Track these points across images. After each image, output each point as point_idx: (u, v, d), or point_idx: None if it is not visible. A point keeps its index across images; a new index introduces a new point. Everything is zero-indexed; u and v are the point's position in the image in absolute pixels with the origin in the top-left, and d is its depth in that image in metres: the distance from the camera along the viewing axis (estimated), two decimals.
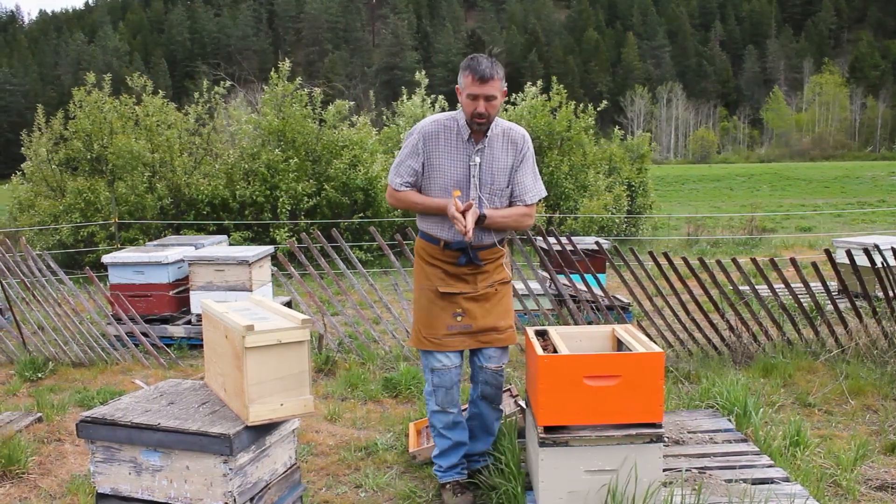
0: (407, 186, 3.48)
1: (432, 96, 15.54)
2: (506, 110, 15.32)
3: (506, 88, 3.42)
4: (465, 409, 3.88)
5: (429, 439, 4.25)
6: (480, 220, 3.32)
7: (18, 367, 6.21)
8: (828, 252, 5.77)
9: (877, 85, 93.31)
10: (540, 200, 3.58)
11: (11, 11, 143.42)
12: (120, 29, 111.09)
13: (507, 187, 3.45)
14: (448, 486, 3.57)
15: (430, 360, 3.50)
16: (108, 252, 8.49)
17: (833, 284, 7.40)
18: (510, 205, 3.50)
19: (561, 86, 15.80)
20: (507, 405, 4.23)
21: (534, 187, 3.50)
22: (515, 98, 15.74)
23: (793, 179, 39.99)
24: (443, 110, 15.57)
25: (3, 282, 6.56)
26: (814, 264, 5.85)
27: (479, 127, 3.36)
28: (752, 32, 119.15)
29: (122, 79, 14.14)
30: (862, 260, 6.06)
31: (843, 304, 6.56)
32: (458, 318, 3.46)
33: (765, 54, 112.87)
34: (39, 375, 6.11)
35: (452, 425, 3.56)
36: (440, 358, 3.48)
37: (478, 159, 3.39)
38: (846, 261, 5.99)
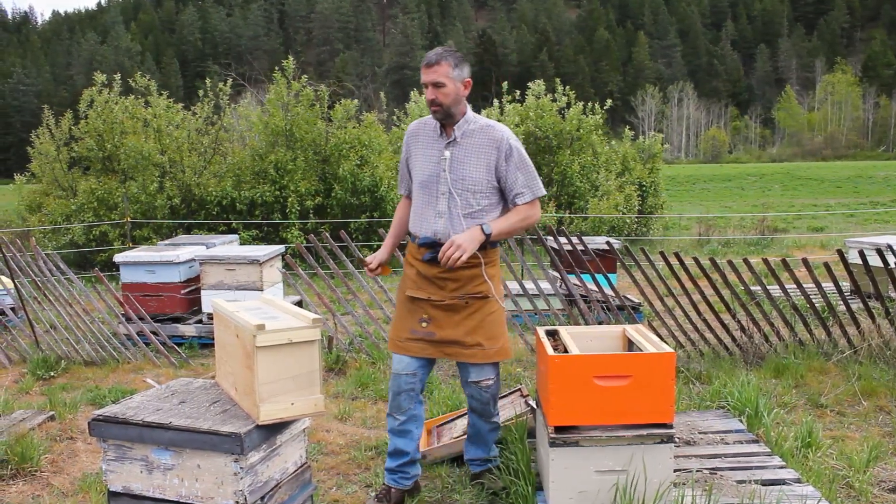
0: (405, 191, 3.62)
1: None
2: (500, 109, 15.31)
3: (468, 79, 3.33)
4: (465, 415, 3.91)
5: (439, 439, 4.25)
6: (486, 233, 3.25)
7: (31, 365, 6.24)
8: (840, 252, 5.74)
9: (890, 84, 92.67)
10: (542, 198, 3.46)
11: (25, 12, 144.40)
12: (132, 29, 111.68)
13: (487, 187, 3.33)
14: (380, 487, 3.59)
15: (392, 361, 3.50)
16: (120, 251, 8.54)
17: (845, 285, 7.35)
18: (504, 209, 3.42)
19: (567, 87, 15.79)
20: (518, 405, 4.23)
21: (526, 186, 3.35)
22: (520, 95, 15.75)
23: (805, 179, 39.80)
24: None
25: (16, 281, 6.60)
26: (826, 264, 5.81)
27: (436, 116, 3.34)
28: (764, 31, 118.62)
29: (128, 78, 14.20)
30: (875, 260, 6.02)
31: (856, 305, 6.51)
32: (423, 325, 3.37)
33: (776, 53, 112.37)
34: (52, 374, 6.15)
35: (397, 431, 3.48)
36: (396, 361, 3.44)
37: (447, 153, 3.34)
38: (859, 261, 5.94)
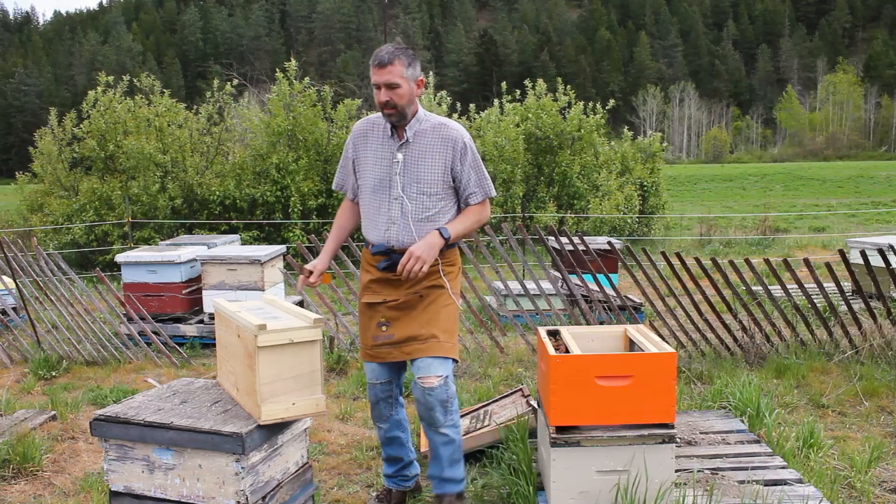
0: (339, 188, 3.48)
1: (439, 95, 15.54)
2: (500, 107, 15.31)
3: (420, 77, 3.19)
4: None
5: None
6: (444, 237, 3.14)
7: (33, 365, 6.25)
8: (842, 252, 5.74)
9: (892, 84, 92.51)
10: (493, 199, 3.39)
11: (26, 12, 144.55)
12: (133, 29, 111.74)
13: (443, 188, 3.21)
14: (381, 488, 3.59)
15: (365, 370, 3.42)
16: (121, 251, 8.55)
17: (847, 285, 7.35)
18: (458, 210, 3.31)
19: (568, 86, 15.80)
20: (519, 405, 4.22)
21: (479, 185, 3.25)
22: (520, 95, 15.78)
23: (806, 179, 39.77)
24: (450, 109, 15.56)
25: (18, 281, 6.61)
26: (827, 265, 5.81)
27: (390, 119, 3.17)
28: (766, 31, 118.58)
29: (132, 78, 14.24)
30: (876, 260, 6.02)
31: (858, 305, 6.51)
32: (383, 329, 3.23)
33: (778, 53, 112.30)
34: (53, 374, 6.16)
35: (386, 440, 3.44)
36: (368, 370, 3.36)
37: (400, 156, 3.19)
38: (860, 261, 5.94)
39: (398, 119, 3.16)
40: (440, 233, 3.13)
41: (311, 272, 3.29)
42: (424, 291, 3.21)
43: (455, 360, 3.25)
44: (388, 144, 3.23)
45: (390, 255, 3.20)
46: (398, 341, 3.20)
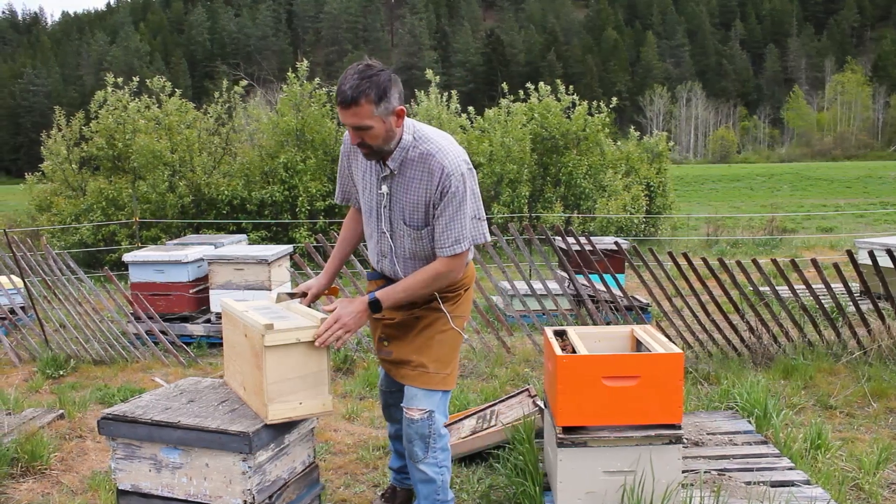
0: (343, 201, 3.16)
1: (445, 94, 15.55)
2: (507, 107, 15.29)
3: (398, 107, 2.66)
4: None
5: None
6: (374, 307, 2.79)
7: (41, 364, 6.28)
8: (850, 253, 5.72)
9: None
10: (478, 246, 2.96)
11: (35, 13, 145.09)
12: (141, 29, 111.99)
13: (431, 226, 2.82)
14: (387, 487, 3.59)
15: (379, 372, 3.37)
16: (129, 251, 8.58)
17: (855, 286, 7.32)
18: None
19: (571, 87, 15.80)
20: (526, 405, 4.22)
21: (447, 237, 2.77)
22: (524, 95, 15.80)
23: (814, 179, 39.64)
24: (457, 110, 15.57)
25: (26, 280, 6.64)
26: (835, 265, 5.79)
27: (367, 158, 2.79)
28: (773, 31, 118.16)
29: (143, 79, 14.31)
30: (885, 261, 5.99)
31: (866, 306, 6.49)
32: (385, 344, 3.05)
33: (786, 53, 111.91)
34: (61, 373, 6.18)
35: (393, 436, 3.43)
36: (381, 375, 3.35)
37: (385, 189, 2.82)
38: (868, 262, 5.92)
39: (376, 158, 2.77)
40: (367, 299, 2.79)
41: (304, 294, 3.10)
42: (422, 313, 2.96)
43: (447, 391, 3.00)
44: (373, 172, 2.87)
45: (384, 283, 3.01)
46: (395, 361, 3.04)
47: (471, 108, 16.20)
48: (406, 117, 2.76)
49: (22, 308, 7.39)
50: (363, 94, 2.56)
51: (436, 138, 2.79)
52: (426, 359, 2.93)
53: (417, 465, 2.98)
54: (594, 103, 15.79)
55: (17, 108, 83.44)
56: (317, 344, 2.70)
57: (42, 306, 6.82)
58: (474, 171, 2.85)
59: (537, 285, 7.18)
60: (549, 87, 15.75)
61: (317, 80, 13.73)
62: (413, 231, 2.84)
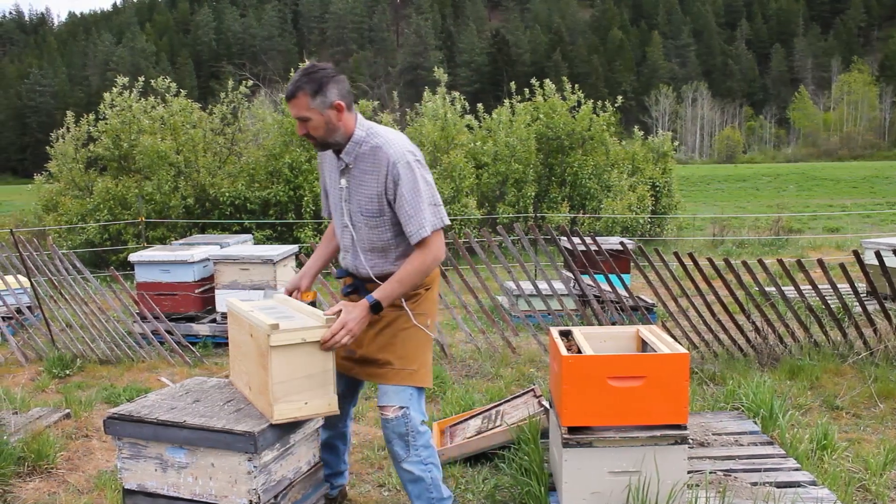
0: (326, 213, 3.27)
1: (452, 94, 15.55)
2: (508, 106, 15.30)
3: (337, 101, 2.85)
4: None
5: (452, 439, 4.25)
6: (375, 309, 2.86)
7: (47, 363, 6.30)
8: (856, 253, 5.70)
9: None
10: (442, 229, 2.93)
11: (42, 13, 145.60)
12: (147, 30, 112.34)
13: (387, 220, 2.94)
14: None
15: None
16: (135, 251, 8.60)
17: (861, 286, 7.30)
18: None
19: (577, 86, 15.79)
20: (531, 405, 4.22)
21: (413, 223, 2.88)
22: (529, 94, 15.80)
23: (820, 179, 39.54)
24: (463, 109, 15.56)
25: (33, 280, 6.66)
26: (842, 265, 5.77)
27: (318, 149, 3.03)
28: (779, 31, 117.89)
29: (149, 80, 14.35)
30: (891, 261, 5.98)
31: (872, 306, 6.46)
32: None
33: (792, 53, 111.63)
34: (67, 372, 6.20)
35: (322, 444, 3.26)
36: None
37: (343, 182, 2.98)
38: (875, 262, 5.89)
39: (324, 148, 2.98)
40: (368, 304, 2.85)
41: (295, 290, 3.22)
42: (387, 312, 2.98)
43: (420, 389, 3.03)
44: (335, 169, 3.04)
45: (352, 281, 3.12)
46: (359, 359, 3.06)
47: (480, 106, 16.19)
48: (361, 117, 2.96)
49: (28, 308, 7.41)
50: (300, 88, 2.82)
51: (384, 133, 2.95)
52: (391, 356, 2.99)
53: (402, 465, 3.01)
54: (599, 103, 15.77)
55: (23, 108, 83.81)
56: (323, 348, 2.75)
57: (48, 306, 6.84)
58: (423, 161, 2.96)
59: (543, 285, 7.17)
60: (554, 86, 15.73)
61: None
62: (369, 220, 2.95)
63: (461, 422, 4.47)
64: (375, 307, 2.86)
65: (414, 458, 3.00)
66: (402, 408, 2.96)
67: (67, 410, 5.00)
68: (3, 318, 7.19)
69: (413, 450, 2.99)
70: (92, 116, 13.88)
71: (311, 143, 3.04)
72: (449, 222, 3.00)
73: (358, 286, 3.09)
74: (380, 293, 2.86)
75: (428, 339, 3.08)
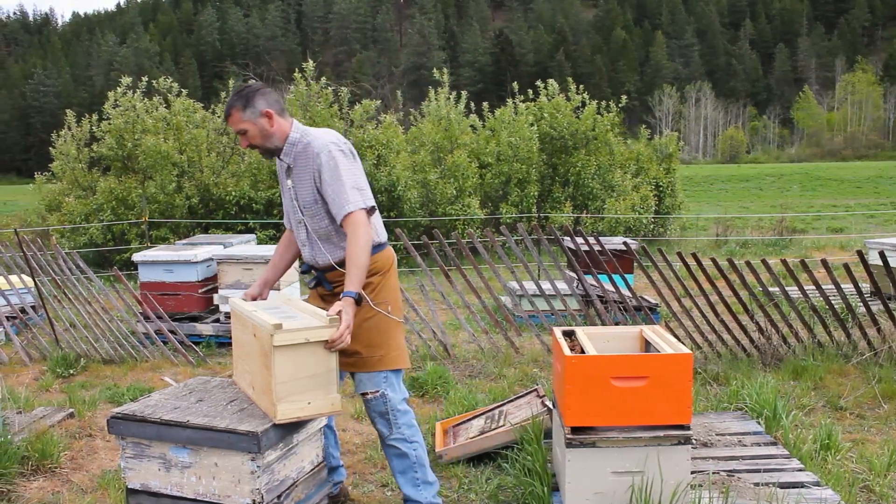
0: (288, 224, 3.50)
1: (454, 94, 15.55)
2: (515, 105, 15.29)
3: (266, 110, 3.10)
4: None
5: (455, 439, 4.25)
6: (359, 301, 2.98)
7: (51, 363, 6.31)
8: (860, 253, 5.69)
9: None
10: (365, 209, 3.08)
11: (46, 14, 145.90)
12: (150, 30, 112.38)
13: (319, 204, 3.15)
14: None
15: None
16: (138, 251, 8.61)
17: (865, 286, 7.28)
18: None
19: (581, 86, 15.78)
20: (534, 405, 4.22)
21: (335, 203, 3.07)
22: (533, 95, 15.79)
23: (824, 179, 39.47)
24: (467, 109, 15.57)
25: (37, 280, 6.67)
26: (845, 265, 5.76)
27: (264, 157, 3.33)
28: (783, 31, 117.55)
29: (152, 80, 14.37)
30: (895, 261, 5.96)
31: (876, 307, 6.45)
32: None
33: (796, 53, 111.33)
34: (71, 372, 6.21)
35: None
36: None
37: (289, 182, 3.23)
38: (879, 262, 5.88)
39: (268, 156, 3.25)
40: (349, 296, 2.95)
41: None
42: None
43: (395, 371, 3.20)
44: (282, 172, 3.31)
45: (314, 274, 3.33)
46: None
47: (485, 105, 16.19)
48: (297, 122, 3.23)
49: (32, 307, 7.43)
50: (232, 106, 3.13)
51: (314, 132, 3.22)
52: (358, 346, 3.11)
53: (386, 441, 3.24)
54: (603, 103, 15.76)
55: (27, 108, 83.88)
56: (329, 349, 2.81)
57: (52, 306, 6.86)
58: (347, 152, 3.17)
59: (546, 285, 7.17)
60: (557, 86, 15.72)
61: (323, 79, 13.73)
62: (308, 210, 3.19)
63: (464, 422, 4.47)
64: (359, 300, 2.98)
65: (397, 435, 3.21)
66: (376, 391, 3.18)
67: (71, 410, 5.00)
68: (7, 317, 7.20)
69: (395, 427, 3.20)
70: (95, 116, 13.90)
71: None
72: (374, 203, 3.18)
73: (319, 278, 3.29)
74: (350, 285, 2.98)
75: (394, 324, 3.24)
